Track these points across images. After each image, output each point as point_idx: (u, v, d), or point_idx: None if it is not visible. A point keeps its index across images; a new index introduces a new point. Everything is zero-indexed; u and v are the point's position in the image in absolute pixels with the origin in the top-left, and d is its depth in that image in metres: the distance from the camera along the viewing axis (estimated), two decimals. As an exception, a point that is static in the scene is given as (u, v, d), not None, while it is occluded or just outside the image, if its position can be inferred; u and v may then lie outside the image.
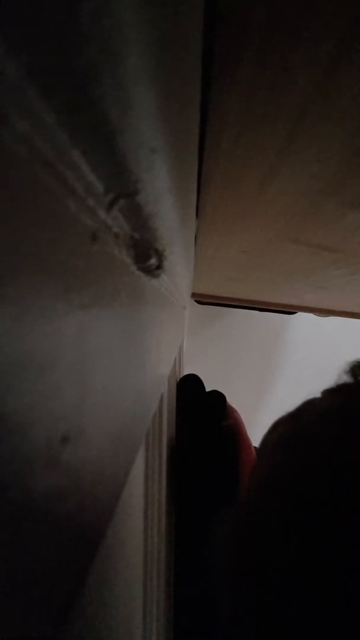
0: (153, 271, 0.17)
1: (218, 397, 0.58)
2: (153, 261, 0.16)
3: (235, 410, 0.60)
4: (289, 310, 1.07)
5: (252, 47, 0.12)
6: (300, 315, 1.27)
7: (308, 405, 0.29)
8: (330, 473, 0.21)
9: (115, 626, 0.23)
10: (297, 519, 0.21)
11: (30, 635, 0.06)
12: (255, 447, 0.57)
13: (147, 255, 0.15)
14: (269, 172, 0.20)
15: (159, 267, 0.17)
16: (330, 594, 0.18)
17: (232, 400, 0.60)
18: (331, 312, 0.97)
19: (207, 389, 0.61)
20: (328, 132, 0.16)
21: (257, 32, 0.11)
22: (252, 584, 0.22)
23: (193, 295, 0.95)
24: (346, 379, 0.29)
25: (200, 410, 0.57)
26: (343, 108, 0.14)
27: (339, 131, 0.16)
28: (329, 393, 0.28)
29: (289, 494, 0.22)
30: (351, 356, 0.31)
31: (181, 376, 0.63)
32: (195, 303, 1.18)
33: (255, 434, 0.53)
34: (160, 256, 0.17)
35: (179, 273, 0.30)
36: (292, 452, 0.25)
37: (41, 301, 0.07)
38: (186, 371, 0.72)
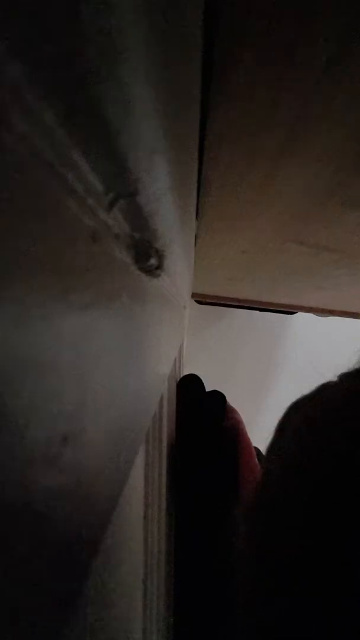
0: (153, 271, 0.17)
1: (218, 397, 0.58)
2: (153, 261, 0.16)
3: (235, 411, 0.60)
4: (289, 310, 1.08)
5: (252, 47, 0.12)
6: (300, 315, 1.27)
7: (327, 389, 0.28)
8: None
9: (115, 626, 0.23)
10: (333, 500, 0.20)
11: (31, 636, 0.06)
12: (256, 448, 0.57)
13: (147, 255, 0.15)
14: (269, 173, 0.20)
15: (159, 267, 0.17)
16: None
17: (232, 400, 0.60)
18: (331, 312, 0.97)
19: (207, 389, 0.61)
20: (328, 133, 0.16)
21: (256, 32, 0.11)
22: (270, 574, 0.21)
23: (193, 295, 0.95)
24: None
25: (200, 411, 0.57)
26: (343, 108, 0.14)
27: (338, 131, 0.16)
28: (347, 377, 0.28)
29: (321, 474, 0.22)
30: (351, 356, 0.31)
31: (181, 376, 0.63)
32: (195, 303, 1.18)
33: (256, 435, 0.53)
34: (160, 256, 0.17)
35: (179, 273, 0.30)
36: (321, 433, 0.24)
37: (41, 301, 0.07)
38: (186, 371, 0.72)
